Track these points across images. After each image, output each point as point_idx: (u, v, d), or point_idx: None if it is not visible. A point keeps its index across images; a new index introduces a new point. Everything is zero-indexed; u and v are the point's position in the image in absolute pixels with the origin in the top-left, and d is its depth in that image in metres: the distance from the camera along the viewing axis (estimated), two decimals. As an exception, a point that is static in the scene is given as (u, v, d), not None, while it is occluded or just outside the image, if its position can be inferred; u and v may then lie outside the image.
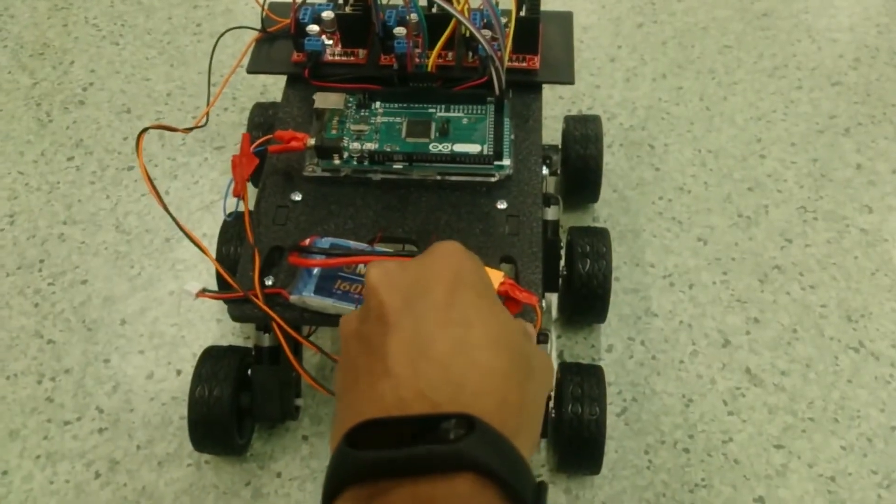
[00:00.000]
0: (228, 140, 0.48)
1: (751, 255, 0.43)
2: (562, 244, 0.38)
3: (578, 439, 0.34)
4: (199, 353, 0.35)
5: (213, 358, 0.35)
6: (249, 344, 0.38)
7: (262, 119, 0.42)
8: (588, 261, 0.37)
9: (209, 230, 0.43)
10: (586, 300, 0.38)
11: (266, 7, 0.39)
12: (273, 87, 0.50)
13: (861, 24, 0.53)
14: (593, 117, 0.43)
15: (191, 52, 0.52)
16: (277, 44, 0.39)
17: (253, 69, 0.38)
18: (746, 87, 0.50)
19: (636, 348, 0.40)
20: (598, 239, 0.38)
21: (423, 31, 0.35)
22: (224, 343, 0.38)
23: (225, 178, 0.46)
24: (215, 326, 0.40)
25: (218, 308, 0.41)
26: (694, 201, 0.45)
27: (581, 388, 0.34)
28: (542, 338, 0.32)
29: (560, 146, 0.43)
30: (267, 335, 0.34)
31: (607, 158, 0.45)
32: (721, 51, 0.52)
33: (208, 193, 0.45)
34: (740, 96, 0.50)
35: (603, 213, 0.44)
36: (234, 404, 0.34)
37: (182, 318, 0.40)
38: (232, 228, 0.37)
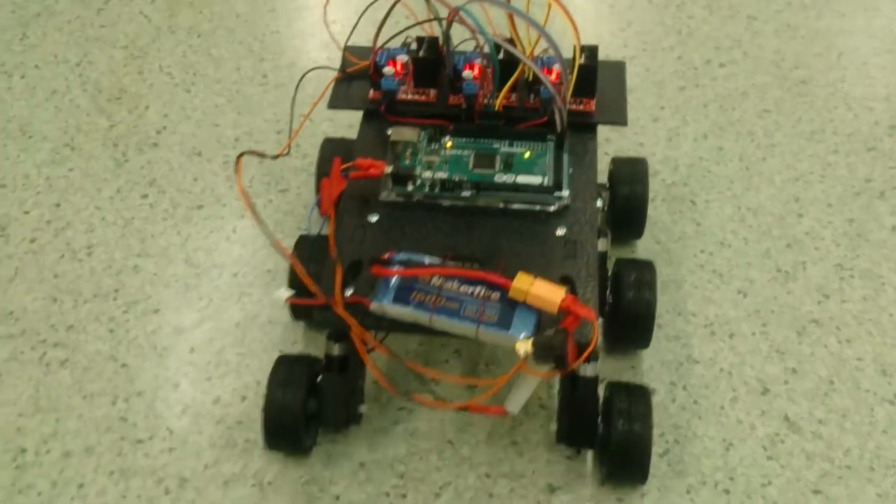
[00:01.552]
0: (292, 184, 0.51)
1: (789, 309, 0.45)
2: (609, 275, 0.41)
3: (626, 451, 0.37)
4: (262, 381, 0.38)
5: (285, 365, 0.38)
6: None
7: (331, 153, 0.45)
8: (634, 289, 0.40)
9: (273, 265, 0.47)
10: (632, 326, 0.41)
11: (345, 50, 0.43)
12: (333, 132, 0.53)
13: (896, 93, 0.57)
14: (640, 159, 0.47)
15: (257, 101, 0.56)
16: (354, 83, 0.43)
17: (333, 105, 0.43)
18: (784, 149, 0.53)
19: (678, 392, 0.42)
20: (644, 269, 0.41)
21: (494, 75, 0.39)
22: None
23: (289, 218, 0.49)
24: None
25: (280, 338, 0.44)
26: (734, 255, 0.48)
27: (629, 405, 0.37)
28: (594, 356, 0.35)
29: (608, 185, 0.46)
30: (337, 345, 0.37)
31: (651, 212, 0.48)
32: (760, 115, 0.55)
33: (274, 232, 0.48)
34: (779, 158, 0.53)
35: (646, 263, 0.47)
36: (304, 409, 0.37)
37: (247, 347, 0.43)
38: (305, 246, 0.41)
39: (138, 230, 0.48)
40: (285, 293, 0.36)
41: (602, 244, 0.40)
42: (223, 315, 0.45)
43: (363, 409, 0.40)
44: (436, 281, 0.34)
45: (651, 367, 0.42)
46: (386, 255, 0.35)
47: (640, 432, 0.36)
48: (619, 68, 0.44)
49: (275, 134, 0.53)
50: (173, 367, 0.43)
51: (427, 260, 0.35)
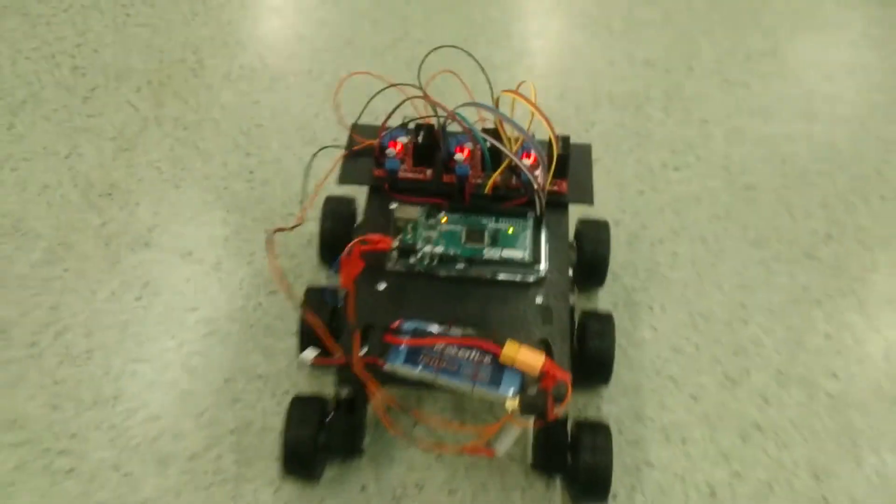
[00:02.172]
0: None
1: (735, 415, 0.51)
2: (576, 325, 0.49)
3: (591, 477, 0.44)
4: (259, 488, 0.42)
5: (299, 404, 0.45)
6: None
7: (331, 209, 0.52)
8: (597, 338, 0.48)
9: (264, 371, 0.50)
10: (596, 368, 0.49)
11: (351, 128, 0.50)
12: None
13: (834, 202, 0.62)
14: (603, 222, 0.54)
15: (244, 198, 0.59)
16: (359, 161, 0.49)
17: (343, 181, 0.49)
18: (733, 255, 0.58)
19: (637, 497, 0.47)
20: (605, 321, 0.49)
21: (485, 161, 0.47)
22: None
23: (279, 322, 0.53)
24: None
25: (275, 444, 0.47)
26: (687, 361, 0.53)
27: (593, 440, 0.45)
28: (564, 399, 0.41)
29: (574, 243, 0.53)
30: (346, 390, 0.44)
31: (616, 318, 0.53)
32: (711, 220, 0.60)
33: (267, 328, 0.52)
34: (727, 264, 0.58)
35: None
36: (315, 442, 0.44)
37: (242, 454, 0.47)
38: (314, 299, 0.48)
39: (135, 334, 0.52)
40: (311, 354, 0.43)
41: (571, 299, 0.46)
42: (220, 423, 0.48)
43: (366, 442, 0.47)
44: (438, 346, 0.41)
45: (614, 470, 0.47)
46: (396, 324, 0.42)
47: (603, 461, 0.44)
48: (586, 151, 0.51)
49: (261, 233, 0.57)
50: (174, 475, 0.46)
51: (431, 328, 0.42)
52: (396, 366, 0.41)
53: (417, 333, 0.42)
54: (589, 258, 0.53)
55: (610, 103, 0.67)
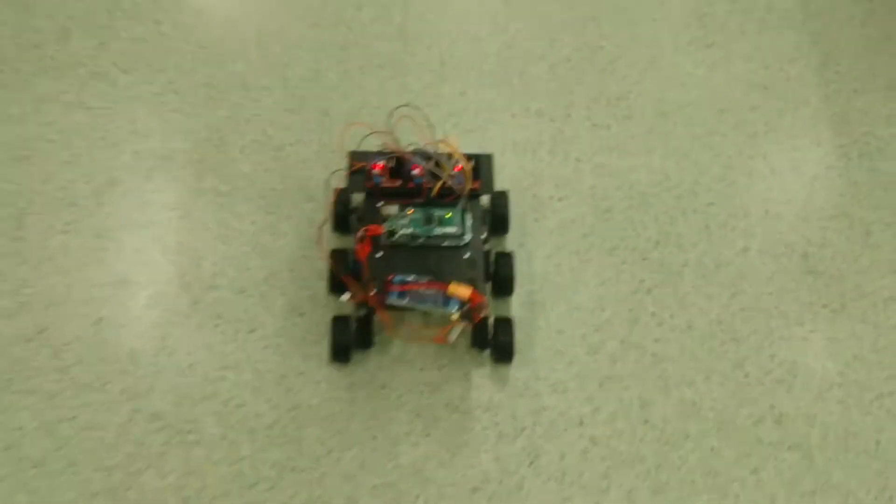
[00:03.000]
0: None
1: (595, 371, 0.82)
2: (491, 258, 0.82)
3: (502, 348, 0.80)
4: None
5: (339, 320, 0.79)
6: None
7: (340, 197, 0.84)
8: (504, 268, 0.82)
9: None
10: (503, 285, 0.82)
11: (349, 154, 0.83)
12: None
13: (662, 217, 0.92)
14: (504, 192, 0.85)
15: (270, 247, 0.86)
16: (355, 177, 0.82)
17: (350, 190, 0.82)
18: (596, 262, 0.88)
19: (537, 428, 0.78)
20: (507, 257, 0.82)
21: (430, 176, 0.80)
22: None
23: (301, 344, 0.82)
24: None
25: None
26: (567, 339, 0.83)
27: (504, 328, 0.80)
28: (485, 310, 0.77)
29: (488, 207, 0.86)
30: (363, 311, 0.79)
31: (523, 313, 0.83)
32: (581, 238, 0.90)
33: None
34: (592, 269, 0.88)
35: None
36: (347, 339, 0.78)
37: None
38: (340, 258, 0.81)
39: (220, 353, 0.80)
40: (346, 296, 0.77)
41: (486, 247, 0.80)
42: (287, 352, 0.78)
43: (376, 340, 0.81)
44: (414, 288, 0.75)
45: (522, 412, 0.78)
46: (390, 277, 0.75)
47: (508, 339, 0.79)
48: (488, 160, 0.83)
49: (287, 273, 0.85)
50: (261, 437, 0.76)
51: (409, 278, 0.76)
52: (392, 300, 0.75)
53: (402, 282, 0.75)
54: (497, 214, 0.85)
55: (513, 150, 0.94)
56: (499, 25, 1.03)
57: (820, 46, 1.04)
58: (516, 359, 0.81)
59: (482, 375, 0.81)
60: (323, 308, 0.83)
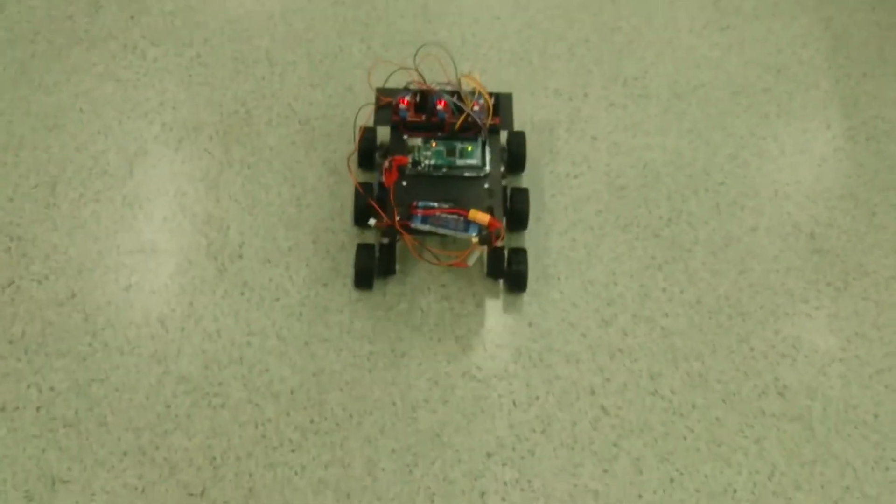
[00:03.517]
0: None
1: (607, 344, 0.83)
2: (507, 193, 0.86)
3: (517, 277, 0.84)
4: None
5: (362, 247, 0.83)
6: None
7: (366, 136, 0.88)
8: (519, 202, 0.86)
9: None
10: (518, 218, 0.86)
11: (377, 90, 0.85)
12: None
13: (675, 195, 0.93)
14: (521, 132, 0.89)
15: (295, 218, 0.88)
16: (382, 111, 0.84)
17: (377, 123, 0.84)
18: (610, 238, 0.89)
19: (550, 397, 0.80)
20: (523, 193, 0.86)
21: (454, 110, 0.83)
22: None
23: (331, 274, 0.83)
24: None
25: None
26: (580, 312, 0.85)
27: (517, 257, 0.84)
28: (502, 238, 0.80)
29: (505, 146, 0.89)
30: (386, 238, 0.80)
31: (538, 287, 0.84)
32: (596, 214, 0.91)
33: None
34: (606, 244, 0.89)
35: None
36: (370, 266, 0.82)
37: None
38: (370, 191, 0.85)
39: (245, 319, 0.81)
40: (373, 221, 0.79)
41: (503, 182, 0.83)
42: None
43: (397, 267, 0.85)
44: (436, 214, 0.78)
45: (538, 381, 0.80)
46: (415, 203, 0.79)
47: (523, 268, 0.83)
48: (508, 98, 0.86)
49: (311, 244, 0.86)
50: (285, 402, 0.78)
51: (432, 204, 0.79)
52: (416, 225, 0.78)
53: (425, 207, 0.79)
54: (514, 153, 0.89)
55: (531, 127, 0.95)
56: (520, 5, 1.04)
57: (831, 31, 1.05)
58: (531, 330, 0.83)
59: (499, 345, 0.82)
60: (344, 279, 0.84)
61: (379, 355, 0.81)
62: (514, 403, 0.80)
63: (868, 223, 0.91)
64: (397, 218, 0.77)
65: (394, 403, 0.79)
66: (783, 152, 0.96)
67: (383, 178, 0.81)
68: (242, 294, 0.83)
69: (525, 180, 0.91)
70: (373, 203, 0.80)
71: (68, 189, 0.87)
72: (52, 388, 0.78)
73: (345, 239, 0.86)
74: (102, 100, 0.92)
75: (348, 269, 0.85)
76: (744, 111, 0.98)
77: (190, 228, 0.86)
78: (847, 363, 0.84)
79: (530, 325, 0.83)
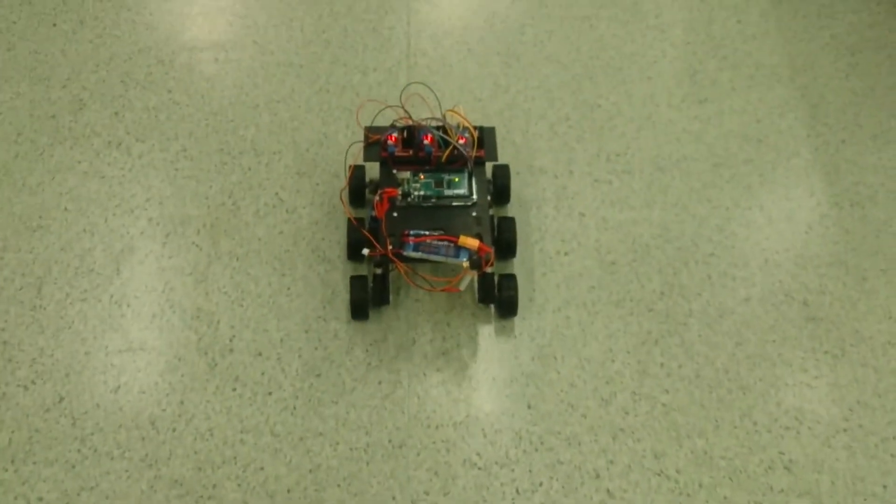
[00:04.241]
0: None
1: (608, 423, 0.80)
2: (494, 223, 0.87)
3: (508, 303, 0.84)
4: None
5: (356, 279, 0.82)
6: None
7: (356, 174, 0.88)
8: (506, 231, 0.86)
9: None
10: (506, 246, 0.87)
11: (365, 129, 0.85)
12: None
13: (666, 268, 0.91)
14: (505, 165, 0.91)
15: (286, 308, 0.85)
16: (371, 148, 0.85)
17: (367, 159, 0.85)
18: (604, 315, 0.87)
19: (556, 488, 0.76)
20: (510, 222, 0.87)
21: (441, 144, 0.83)
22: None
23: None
24: None
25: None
26: (578, 392, 0.82)
27: (508, 283, 0.84)
28: (492, 264, 0.81)
29: (490, 179, 0.90)
30: (379, 268, 0.81)
31: (535, 367, 0.81)
32: (589, 290, 0.88)
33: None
34: (600, 321, 0.86)
35: None
36: (365, 298, 0.81)
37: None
38: (362, 223, 0.85)
39: (237, 415, 0.78)
40: (366, 251, 0.78)
41: (490, 211, 0.84)
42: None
43: (390, 298, 0.85)
44: (427, 241, 0.78)
45: (537, 466, 0.76)
46: (407, 232, 0.79)
47: (513, 294, 0.83)
48: (491, 132, 0.87)
49: (303, 334, 0.83)
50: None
51: (423, 233, 0.79)
52: (409, 252, 0.78)
53: (417, 235, 0.79)
54: (499, 185, 0.91)
55: (520, 206, 0.94)
56: (500, 87, 1.03)
57: (807, 99, 1.05)
58: (530, 413, 0.80)
59: (498, 430, 0.79)
60: (338, 369, 0.81)
61: (376, 446, 0.77)
62: (518, 491, 0.76)
63: (860, 289, 0.90)
64: (390, 247, 0.77)
65: (393, 497, 0.75)
66: (770, 221, 0.94)
67: (374, 212, 0.81)
68: (234, 390, 0.79)
69: (516, 261, 0.89)
70: (365, 233, 0.80)
71: (54, 290, 0.84)
72: (40, 499, 0.73)
73: (337, 327, 0.84)
74: (87, 197, 0.90)
75: (342, 358, 0.82)
76: (727, 182, 0.97)
77: (179, 324, 0.83)
78: (851, 433, 0.81)
79: (529, 407, 0.80)
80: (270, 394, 0.79)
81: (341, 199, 0.90)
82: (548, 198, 0.95)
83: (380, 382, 0.81)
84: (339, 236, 0.89)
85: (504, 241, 0.86)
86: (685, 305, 0.88)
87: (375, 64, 1.03)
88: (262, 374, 0.81)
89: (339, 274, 0.87)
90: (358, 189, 0.88)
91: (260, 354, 0.82)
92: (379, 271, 0.82)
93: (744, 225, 0.94)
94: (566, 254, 0.91)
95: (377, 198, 0.81)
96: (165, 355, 0.81)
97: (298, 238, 0.89)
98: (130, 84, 0.99)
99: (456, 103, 0.90)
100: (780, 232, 0.94)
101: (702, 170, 0.98)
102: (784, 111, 1.04)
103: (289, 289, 0.86)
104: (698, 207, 0.95)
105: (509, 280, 0.84)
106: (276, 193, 0.92)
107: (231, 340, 0.82)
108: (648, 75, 1.06)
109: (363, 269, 0.87)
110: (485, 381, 0.82)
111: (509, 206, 0.93)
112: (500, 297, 0.83)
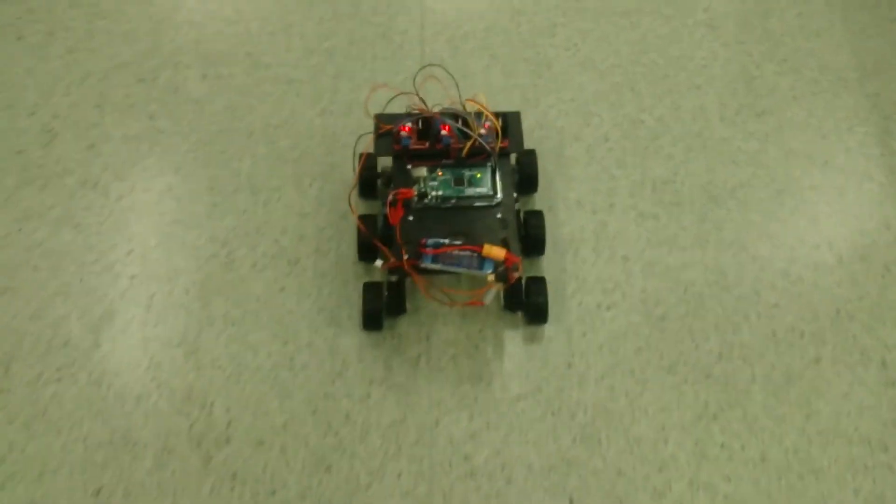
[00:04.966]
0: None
1: (662, 520, 0.68)
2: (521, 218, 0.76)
3: (536, 308, 0.74)
4: None
5: (370, 286, 0.73)
6: None
7: (367, 161, 0.76)
8: (534, 227, 0.75)
9: None
10: (534, 244, 0.76)
11: (375, 116, 0.74)
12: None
13: (724, 324, 0.77)
14: (531, 150, 0.79)
15: (289, 385, 0.72)
16: (382, 139, 0.74)
17: (377, 153, 0.74)
18: (654, 383, 0.74)
19: None
20: (538, 216, 0.76)
21: (459, 134, 0.72)
22: None
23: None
24: None
25: None
26: (627, 481, 0.69)
27: (537, 288, 0.74)
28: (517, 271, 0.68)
29: (515, 166, 0.78)
30: (395, 277, 0.72)
31: (569, 453, 0.69)
32: (636, 352, 0.75)
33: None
34: (650, 391, 0.73)
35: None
36: (380, 306, 0.72)
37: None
38: (370, 222, 0.74)
39: (237, 521, 0.66)
40: (380, 262, 0.69)
41: (516, 206, 0.72)
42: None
43: (407, 306, 0.75)
44: (447, 251, 0.68)
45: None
46: (423, 241, 0.68)
47: (543, 300, 0.74)
48: (516, 117, 0.76)
49: (310, 416, 0.70)
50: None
51: (443, 241, 0.68)
52: (427, 264, 0.67)
53: (436, 245, 0.68)
54: (526, 172, 0.79)
55: (553, 248, 0.80)
56: (528, 101, 0.88)
57: (880, 110, 0.89)
58: (572, 508, 0.68)
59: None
60: (351, 460, 0.69)
61: (397, 552, 0.66)
62: None
63: (947, 346, 0.76)
64: (405, 257, 0.67)
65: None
66: (840, 262, 0.80)
67: (387, 211, 0.70)
68: (232, 490, 0.67)
69: (550, 319, 0.75)
70: (378, 244, 0.70)
71: (25, 368, 0.71)
72: None
73: (349, 407, 0.71)
74: (60, 251, 0.76)
75: (355, 446, 0.69)
76: (790, 214, 0.83)
77: (167, 408, 0.70)
78: (943, 527, 0.69)
79: (571, 502, 0.68)
80: (274, 493, 0.67)
81: (349, 202, 0.79)
82: (586, 238, 0.81)
83: (399, 475, 0.68)
84: (349, 293, 0.75)
85: (532, 238, 0.76)
86: (747, 370, 0.75)
87: (385, 77, 0.88)
88: (264, 468, 0.68)
89: (349, 339, 0.74)
90: (370, 180, 0.77)
91: (261, 443, 0.69)
92: (394, 278, 0.73)
93: (811, 267, 0.80)
94: (608, 308, 0.77)
95: (390, 199, 0.70)
96: (152, 448, 0.69)
97: (302, 295, 0.76)
98: (107, 109, 0.84)
99: (474, 93, 0.76)
100: (853, 275, 0.80)
101: (761, 198, 0.84)
102: (853, 124, 0.88)
103: (292, 359, 0.73)
104: (759, 246, 0.81)
105: (538, 284, 0.74)
106: (276, 240, 0.79)
107: (228, 427, 0.70)
108: (697, 83, 0.90)
109: (374, 271, 0.77)
110: (520, 469, 0.69)
111: (536, 197, 0.82)
112: (529, 304, 0.74)
